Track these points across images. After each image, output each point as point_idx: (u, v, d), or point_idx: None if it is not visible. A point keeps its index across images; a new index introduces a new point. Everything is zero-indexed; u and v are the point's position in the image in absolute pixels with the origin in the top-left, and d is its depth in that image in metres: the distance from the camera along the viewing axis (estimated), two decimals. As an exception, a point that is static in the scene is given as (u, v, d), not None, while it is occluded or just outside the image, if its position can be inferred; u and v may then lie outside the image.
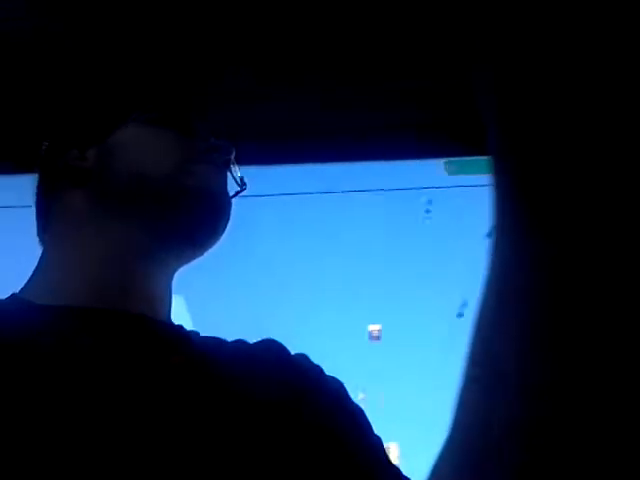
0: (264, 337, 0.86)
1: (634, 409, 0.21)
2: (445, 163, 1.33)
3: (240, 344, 0.84)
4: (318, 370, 0.83)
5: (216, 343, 0.83)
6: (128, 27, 1.02)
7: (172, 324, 0.83)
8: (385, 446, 0.79)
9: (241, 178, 0.94)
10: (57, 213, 0.87)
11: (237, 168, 0.94)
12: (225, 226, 0.87)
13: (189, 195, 0.83)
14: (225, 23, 1.01)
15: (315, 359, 0.85)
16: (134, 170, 0.84)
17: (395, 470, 0.76)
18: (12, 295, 0.81)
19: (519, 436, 0.21)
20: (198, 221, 0.84)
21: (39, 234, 0.90)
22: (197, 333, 0.84)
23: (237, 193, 0.94)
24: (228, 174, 0.91)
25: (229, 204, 0.88)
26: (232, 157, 0.90)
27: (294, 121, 1.15)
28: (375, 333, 8.98)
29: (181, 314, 0.87)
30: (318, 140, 1.17)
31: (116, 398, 0.67)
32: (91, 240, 0.83)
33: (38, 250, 0.89)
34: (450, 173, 1.36)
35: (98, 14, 1.00)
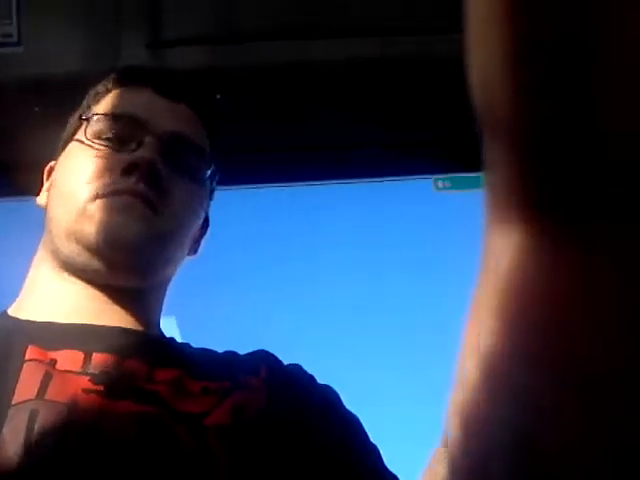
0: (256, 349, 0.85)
1: None
2: (434, 180, 1.34)
3: (232, 355, 0.83)
4: (311, 380, 0.82)
5: (208, 355, 0.82)
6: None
7: (163, 337, 0.83)
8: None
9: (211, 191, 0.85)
10: (44, 229, 0.85)
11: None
12: (160, 257, 0.78)
13: (88, 244, 0.75)
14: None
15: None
16: (53, 214, 0.80)
17: (392, 479, 0.76)
18: (2, 312, 0.80)
19: (524, 446, 0.21)
20: (114, 265, 0.76)
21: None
22: (188, 345, 0.83)
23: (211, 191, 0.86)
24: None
25: (148, 236, 0.75)
26: (158, 168, 0.76)
27: (283, 141, 1.16)
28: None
29: (172, 335, 0.86)
30: (309, 158, 1.17)
31: (101, 416, 0.66)
32: None
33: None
34: (438, 189, 1.36)
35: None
